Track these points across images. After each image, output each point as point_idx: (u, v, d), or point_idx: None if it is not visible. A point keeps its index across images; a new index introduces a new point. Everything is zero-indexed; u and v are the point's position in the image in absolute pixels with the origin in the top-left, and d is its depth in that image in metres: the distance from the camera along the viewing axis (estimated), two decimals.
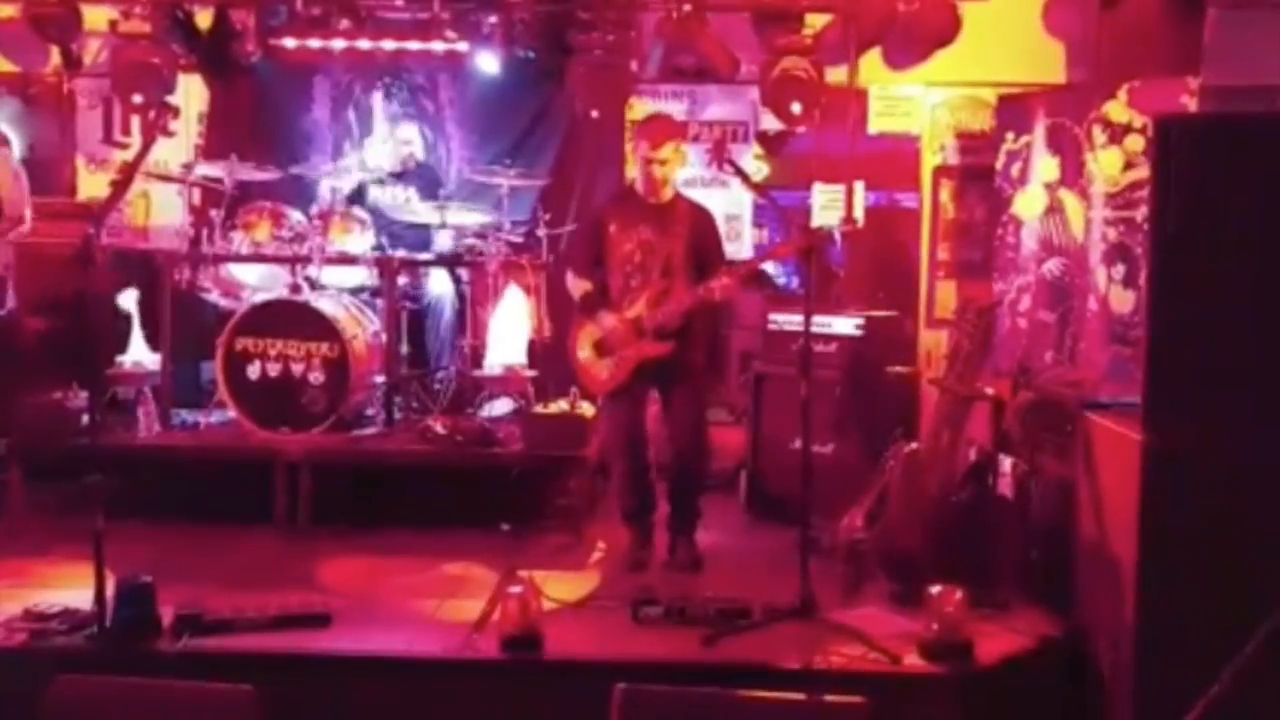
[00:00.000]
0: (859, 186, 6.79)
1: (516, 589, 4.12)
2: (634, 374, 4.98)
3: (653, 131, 5.10)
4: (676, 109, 7.15)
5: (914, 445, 4.71)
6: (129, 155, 7.03)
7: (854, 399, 5.51)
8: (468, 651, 4.03)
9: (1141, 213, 5.53)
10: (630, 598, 4.42)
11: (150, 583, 4.09)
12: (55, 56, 6.68)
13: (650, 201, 5.06)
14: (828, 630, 4.13)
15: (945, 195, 6.79)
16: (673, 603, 4.30)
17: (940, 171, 6.79)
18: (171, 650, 3.98)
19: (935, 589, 4.00)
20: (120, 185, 4.30)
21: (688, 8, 6.25)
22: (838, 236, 7.00)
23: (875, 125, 6.84)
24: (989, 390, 4.67)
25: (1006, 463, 4.72)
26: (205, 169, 6.51)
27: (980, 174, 6.54)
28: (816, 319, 4.82)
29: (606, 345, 5.00)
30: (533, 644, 3.98)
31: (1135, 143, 5.57)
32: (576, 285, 5.15)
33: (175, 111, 5.13)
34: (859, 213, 6.87)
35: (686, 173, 7.20)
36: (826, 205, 6.92)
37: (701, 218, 5.15)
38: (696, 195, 7.05)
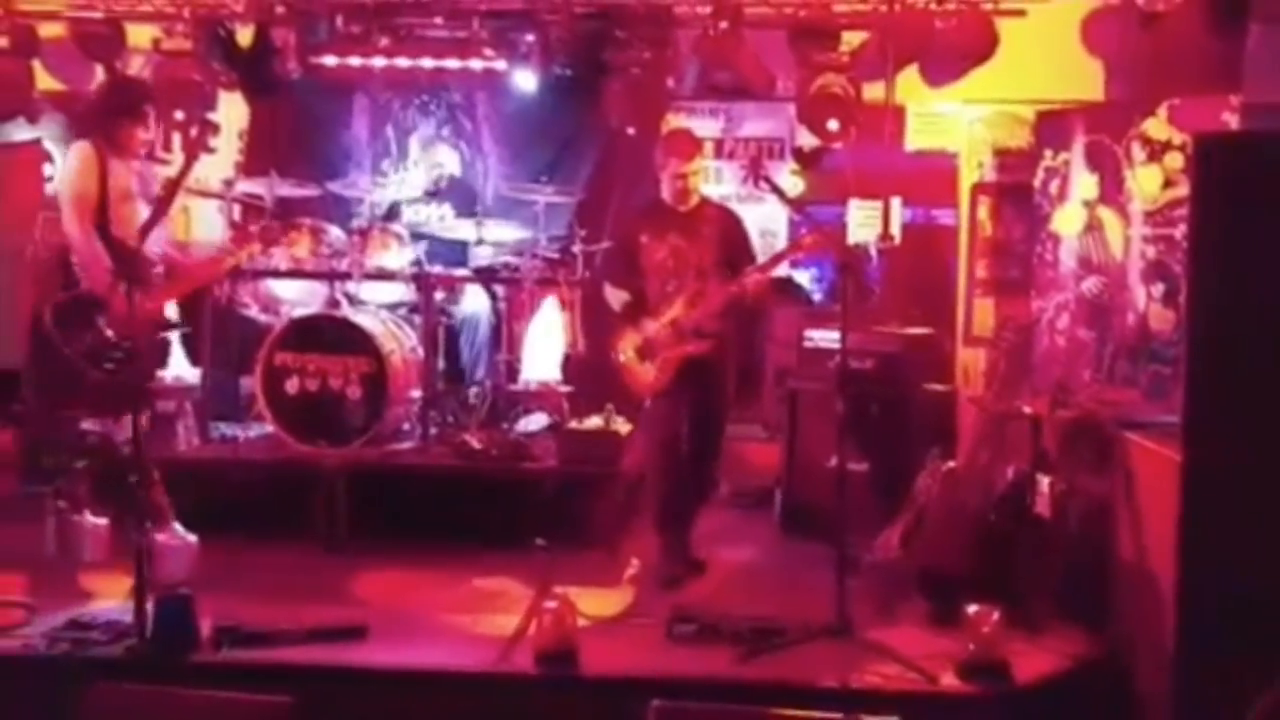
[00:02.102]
0: (896, 203, 6.76)
1: (551, 604, 4.13)
2: (677, 374, 5.09)
3: (682, 148, 5.28)
4: (712, 125, 7.19)
5: (951, 464, 4.69)
6: (170, 172, 7.13)
7: (890, 416, 5.49)
8: (503, 666, 4.04)
9: (1181, 231, 5.47)
10: (665, 614, 4.42)
11: (189, 595, 4.14)
12: (100, 74, 6.78)
13: (679, 210, 5.24)
14: (864, 649, 4.12)
15: (983, 212, 6.73)
16: (708, 620, 4.30)
17: (978, 188, 6.73)
18: (209, 661, 4.02)
19: (972, 609, 3.97)
20: (163, 202, 4.35)
21: (724, 25, 6.26)
22: (874, 253, 7.00)
23: (913, 142, 6.81)
24: (1027, 409, 4.63)
25: (1044, 482, 4.67)
26: (246, 185, 6.59)
27: (1018, 191, 6.48)
28: (852, 335, 4.83)
29: (649, 349, 5.13)
30: (568, 660, 3.99)
31: (1175, 160, 5.52)
32: (615, 295, 5.32)
33: (216, 128, 5.19)
34: (895, 229, 6.85)
35: (722, 189, 7.26)
36: (863, 222, 6.91)
37: (728, 219, 5.34)
38: None
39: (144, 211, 4.99)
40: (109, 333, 4.78)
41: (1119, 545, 4.26)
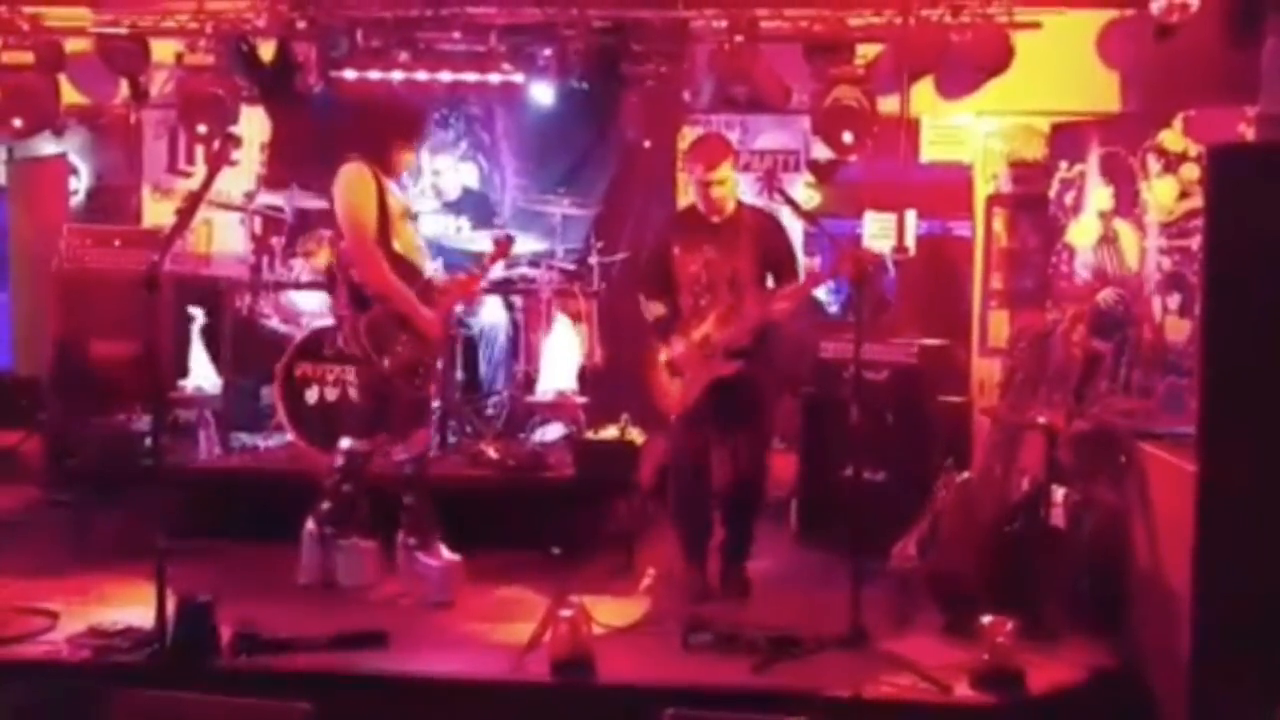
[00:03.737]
0: (910, 215, 6.79)
1: (567, 613, 4.15)
2: (705, 393, 4.91)
3: (707, 153, 5.04)
4: (729, 138, 7.17)
5: (966, 474, 4.69)
6: (193, 184, 7.22)
7: (906, 427, 5.50)
8: (518, 674, 4.07)
9: (1197, 242, 5.48)
10: (681, 623, 4.43)
11: (209, 602, 4.18)
12: (124, 88, 6.87)
13: (713, 220, 5.01)
14: (878, 660, 4.13)
15: (999, 224, 6.76)
16: (723, 629, 4.31)
17: (993, 200, 6.76)
18: (229, 668, 4.06)
19: (987, 619, 3.98)
20: (185, 214, 4.41)
21: (740, 39, 6.31)
22: (890, 265, 7.02)
23: (928, 154, 6.84)
24: (1041, 419, 4.63)
25: (1059, 493, 4.68)
26: (266, 198, 6.66)
27: (1033, 202, 6.51)
28: (868, 346, 4.82)
29: (677, 366, 4.97)
30: (583, 668, 4.01)
31: (1190, 171, 5.54)
32: (649, 308, 5.11)
33: (238, 142, 5.24)
34: (910, 241, 6.87)
35: None
36: (878, 233, 6.94)
37: (766, 224, 5.08)
38: None
39: (415, 230, 5.06)
40: (414, 349, 4.83)
41: (1135, 556, 4.25)
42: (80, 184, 7.91)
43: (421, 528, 5.02)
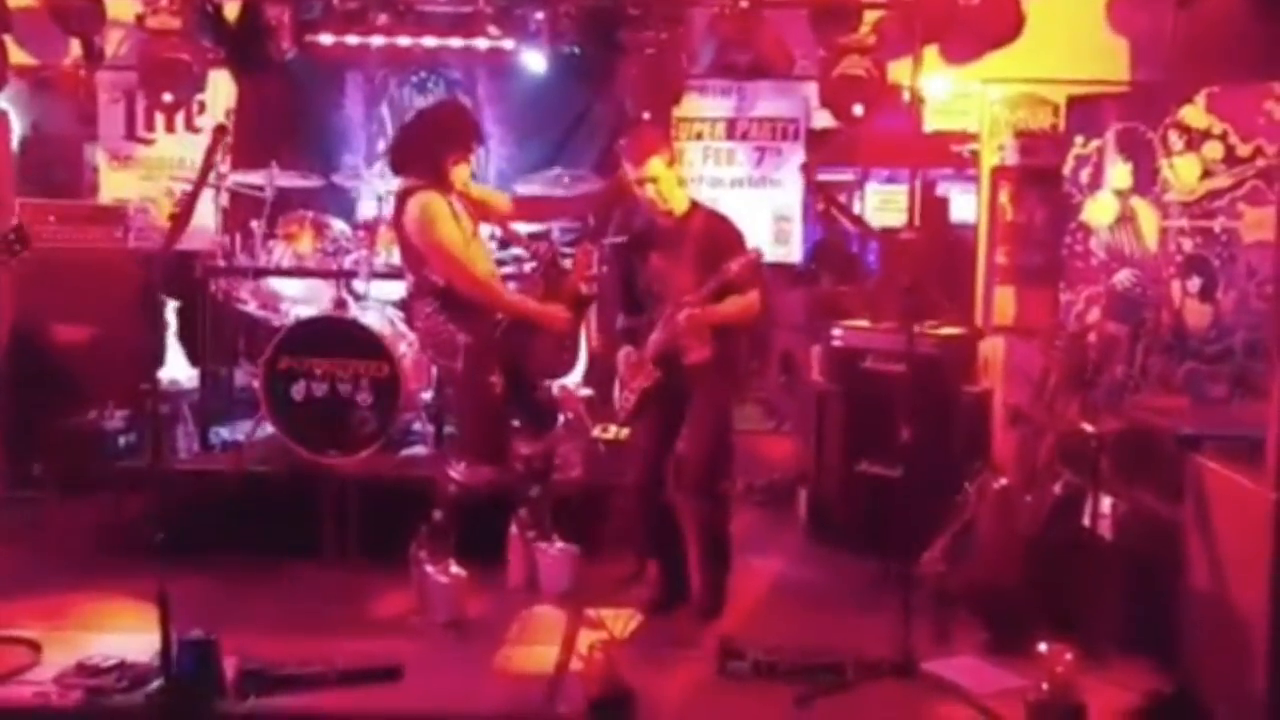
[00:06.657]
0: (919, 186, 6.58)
1: (593, 639, 3.95)
2: (640, 403, 4.68)
3: (633, 150, 4.63)
4: (725, 105, 6.89)
5: (1003, 481, 4.50)
6: (153, 151, 6.79)
7: (927, 422, 5.27)
8: (550, 712, 3.84)
9: (1220, 223, 5.34)
10: (706, 639, 4.27)
11: (213, 640, 3.88)
12: (75, 48, 6.36)
13: (662, 224, 4.64)
14: (928, 689, 3.96)
15: (1004, 197, 6.53)
16: (761, 656, 4.11)
17: (999, 172, 6.52)
18: (238, 712, 3.79)
19: (1043, 646, 3.79)
20: (180, 219, 3.99)
21: (744, 3, 5.98)
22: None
23: (932, 123, 6.60)
24: (1088, 427, 4.43)
25: (1107, 502, 4.49)
26: (245, 176, 6.23)
27: (1041, 175, 6.29)
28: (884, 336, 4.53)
29: (621, 380, 4.79)
30: (623, 706, 3.77)
31: (1214, 150, 5.36)
32: (618, 321, 4.94)
33: (227, 130, 4.82)
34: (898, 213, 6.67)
35: (734, 172, 6.98)
36: (880, 206, 6.72)
37: (715, 232, 4.60)
38: (745, 195, 6.89)
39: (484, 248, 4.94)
40: (549, 342, 4.86)
41: (1192, 576, 4.05)
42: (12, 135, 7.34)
43: (542, 521, 5.00)
